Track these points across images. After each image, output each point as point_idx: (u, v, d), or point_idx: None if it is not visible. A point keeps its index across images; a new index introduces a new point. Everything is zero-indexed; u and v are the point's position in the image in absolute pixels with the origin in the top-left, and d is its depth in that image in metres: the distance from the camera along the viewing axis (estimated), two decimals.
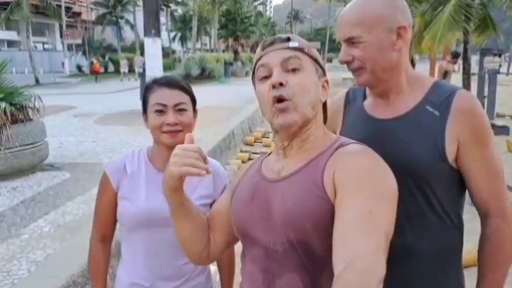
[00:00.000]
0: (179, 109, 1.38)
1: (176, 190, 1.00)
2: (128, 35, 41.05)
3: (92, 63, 28.06)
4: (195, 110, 1.46)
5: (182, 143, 1.48)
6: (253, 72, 1.06)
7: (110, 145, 7.25)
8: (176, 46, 47.59)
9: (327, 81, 1.05)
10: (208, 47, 54.71)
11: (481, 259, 1.21)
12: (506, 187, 1.22)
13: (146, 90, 1.44)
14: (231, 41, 30.17)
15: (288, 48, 0.99)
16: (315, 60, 1.03)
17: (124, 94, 16.91)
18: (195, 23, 27.23)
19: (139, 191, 1.43)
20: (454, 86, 1.25)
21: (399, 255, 1.08)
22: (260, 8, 59.55)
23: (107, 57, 36.10)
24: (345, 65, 1.22)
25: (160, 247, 1.42)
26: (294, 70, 0.98)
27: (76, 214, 3.99)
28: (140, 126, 9.14)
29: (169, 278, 1.44)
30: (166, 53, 29.95)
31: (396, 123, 1.21)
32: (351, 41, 1.16)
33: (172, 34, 46.53)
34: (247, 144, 8.26)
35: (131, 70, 26.52)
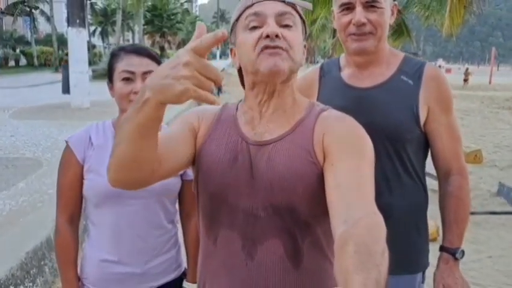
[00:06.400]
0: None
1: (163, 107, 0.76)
2: (42, 26, 38.05)
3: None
4: None
5: None
6: (237, 19, 0.98)
7: (32, 139, 6.70)
8: (97, 41, 45.20)
9: (305, 46, 1.02)
10: (131, 42, 52.70)
11: (447, 214, 1.34)
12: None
13: (112, 58, 1.38)
14: (157, 37, 29.35)
15: (283, 1, 0.94)
16: (303, 22, 1.00)
17: (40, 88, 15.69)
18: (119, 17, 26.04)
19: (107, 163, 1.37)
20: (420, 59, 1.39)
21: None
22: (186, 5, 58.72)
23: (18, 50, 33.23)
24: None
25: (129, 221, 1.37)
26: (287, 26, 0.93)
27: (3, 210, 3.65)
28: (64, 120, 8.73)
29: (139, 252, 1.39)
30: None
31: (375, 91, 1.30)
32: (370, 5, 1.23)
33: (92, 28, 44.10)
34: None
35: None
